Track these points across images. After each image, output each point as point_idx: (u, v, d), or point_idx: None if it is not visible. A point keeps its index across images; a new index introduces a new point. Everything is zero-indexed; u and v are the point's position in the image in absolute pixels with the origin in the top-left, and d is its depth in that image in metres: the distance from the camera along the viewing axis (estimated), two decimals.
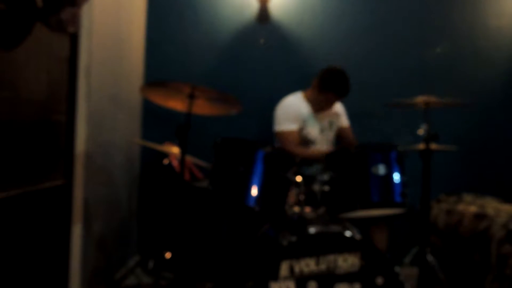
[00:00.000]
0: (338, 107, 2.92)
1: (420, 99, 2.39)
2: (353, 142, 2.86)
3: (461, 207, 2.77)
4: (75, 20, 1.74)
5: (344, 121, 2.92)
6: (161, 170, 2.92)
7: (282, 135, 2.70)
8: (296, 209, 2.15)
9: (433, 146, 2.37)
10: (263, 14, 3.21)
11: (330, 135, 2.82)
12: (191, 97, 2.06)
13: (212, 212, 2.80)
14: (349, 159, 2.09)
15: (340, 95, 2.66)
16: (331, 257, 1.83)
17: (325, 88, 2.65)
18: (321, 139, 2.77)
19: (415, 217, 2.60)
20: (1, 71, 1.62)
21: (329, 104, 2.72)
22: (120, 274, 2.82)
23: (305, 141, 2.73)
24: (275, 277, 1.79)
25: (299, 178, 2.12)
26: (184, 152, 2.07)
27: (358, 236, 1.89)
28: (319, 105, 2.73)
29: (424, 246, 2.42)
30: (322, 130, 2.78)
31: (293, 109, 2.73)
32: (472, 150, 3.23)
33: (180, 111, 2.18)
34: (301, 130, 2.72)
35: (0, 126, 1.63)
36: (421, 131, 2.38)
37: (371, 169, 2.03)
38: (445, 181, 3.14)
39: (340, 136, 2.89)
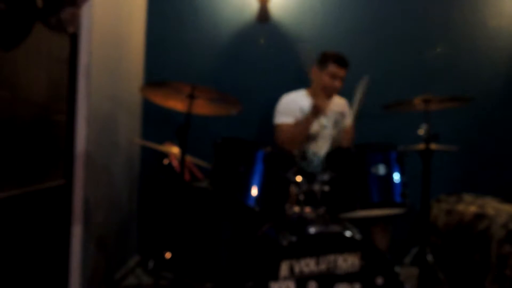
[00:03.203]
0: (345, 108, 2.91)
1: (420, 99, 2.39)
2: (349, 143, 2.81)
3: (461, 207, 2.77)
4: (75, 20, 1.74)
5: (348, 122, 2.91)
6: (161, 170, 2.92)
7: (278, 128, 2.71)
8: (296, 209, 2.15)
9: (433, 146, 2.37)
10: (263, 14, 3.21)
11: (334, 132, 2.81)
12: (191, 97, 2.06)
13: (212, 212, 2.80)
14: (349, 159, 2.09)
15: (341, 64, 2.67)
16: (331, 257, 1.83)
17: (325, 61, 2.67)
18: (322, 136, 2.76)
19: (415, 217, 2.60)
20: (1, 71, 1.62)
21: (334, 81, 2.68)
22: (120, 274, 2.82)
23: (308, 137, 2.72)
24: (275, 277, 1.78)
25: (299, 178, 2.12)
26: (184, 152, 2.07)
27: (358, 236, 1.89)
28: (326, 87, 2.69)
29: (424, 246, 2.42)
30: (324, 127, 2.77)
31: (292, 104, 2.73)
32: (472, 150, 3.23)
33: (180, 111, 2.18)
34: None
35: (0, 126, 1.63)
36: (421, 131, 2.38)
37: (371, 169, 2.03)
38: (445, 181, 3.14)
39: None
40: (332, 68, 2.66)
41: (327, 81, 2.69)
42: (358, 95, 2.49)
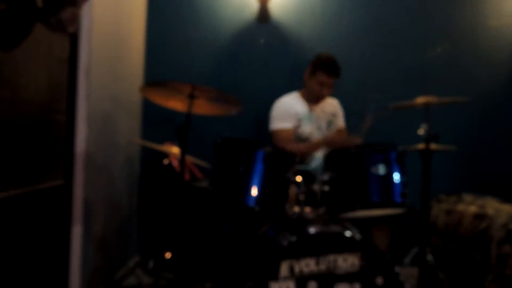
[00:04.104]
0: (337, 108, 2.91)
1: (420, 99, 2.39)
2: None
3: (461, 207, 2.77)
4: (75, 20, 1.74)
5: (340, 122, 2.92)
6: (161, 170, 2.92)
7: (276, 134, 2.71)
8: (296, 209, 2.15)
9: (433, 146, 2.37)
10: (263, 14, 3.21)
11: (328, 134, 2.81)
12: (191, 97, 2.06)
13: (212, 212, 2.80)
14: (349, 159, 2.09)
15: (331, 73, 2.64)
16: (331, 257, 1.83)
17: (315, 68, 2.67)
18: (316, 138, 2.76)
19: (415, 217, 2.60)
20: (1, 71, 1.62)
21: (322, 89, 2.68)
22: (120, 274, 2.82)
23: (300, 140, 2.73)
24: (275, 277, 1.78)
25: (299, 178, 2.12)
26: (184, 152, 2.07)
27: (358, 236, 1.89)
28: (314, 93, 2.70)
29: (424, 246, 2.42)
30: (318, 129, 2.77)
31: (287, 108, 2.72)
32: (472, 150, 3.23)
33: (180, 111, 2.18)
34: (296, 128, 2.71)
35: (0, 126, 1.63)
36: (421, 131, 2.38)
37: (371, 169, 2.03)
38: (445, 181, 3.14)
39: None
40: (321, 76, 2.64)
41: (316, 88, 2.68)
42: (369, 118, 2.42)
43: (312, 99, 2.76)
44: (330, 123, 2.83)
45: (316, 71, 2.66)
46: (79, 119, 2.18)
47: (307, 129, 2.72)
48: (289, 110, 2.71)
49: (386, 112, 2.42)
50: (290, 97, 2.79)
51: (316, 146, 2.64)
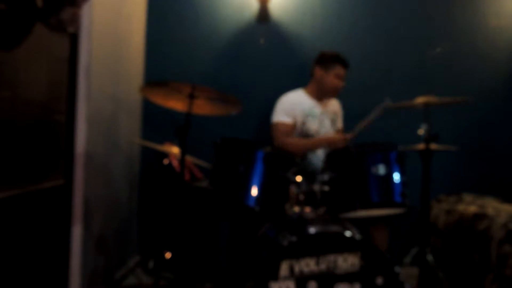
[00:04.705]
0: (338, 108, 2.93)
1: (420, 99, 2.39)
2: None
3: (461, 207, 2.77)
4: (75, 20, 1.74)
5: (339, 122, 2.94)
6: (161, 170, 2.92)
7: (276, 126, 2.71)
8: (296, 209, 2.15)
9: (433, 146, 2.37)
10: (263, 14, 3.21)
11: (332, 132, 2.82)
12: (191, 97, 2.06)
13: (212, 212, 2.80)
14: (349, 159, 2.09)
15: (345, 64, 2.72)
16: (331, 257, 1.83)
17: (331, 62, 2.71)
18: (321, 135, 2.76)
19: (415, 217, 2.60)
20: (1, 71, 1.62)
21: (340, 82, 2.72)
22: (120, 274, 2.82)
23: (306, 136, 2.73)
24: (275, 277, 1.79)
25: (299, 178, 2.12)
26: (184, 152, 2.07)
27: (358, 236, 1.89)
28: (331, 87, 2.73)
29: (424, 246, 2.42)
30: (323, 127, 2.78)
31: (292, 104, 2.73)
32: (472, 150, 3.23)
33: (180, 111, 2.18)
34: (302, 125, 2.72)
35: (0, 126, 1.63)
36: (421, 131, 2.38)
37: (371, 169, 2.03)
38: (445, 181, 3.14)
39: None
40: (338, 69, 2.70)
41: (334, 81, 2.71)
42: (373, 115, 2.45)
43: (325, 94, 2.78)
44: (334, 121, 2.85)
45: (333, 65, 2.71)
46: (79, 119, 2.18)
47: (313, 125, 2.73)
48: (294, 107, 2.72)
49: (382, 112, 2.44)
50: (296, 94, 2.80)
51: (316, 145, 2.65)
